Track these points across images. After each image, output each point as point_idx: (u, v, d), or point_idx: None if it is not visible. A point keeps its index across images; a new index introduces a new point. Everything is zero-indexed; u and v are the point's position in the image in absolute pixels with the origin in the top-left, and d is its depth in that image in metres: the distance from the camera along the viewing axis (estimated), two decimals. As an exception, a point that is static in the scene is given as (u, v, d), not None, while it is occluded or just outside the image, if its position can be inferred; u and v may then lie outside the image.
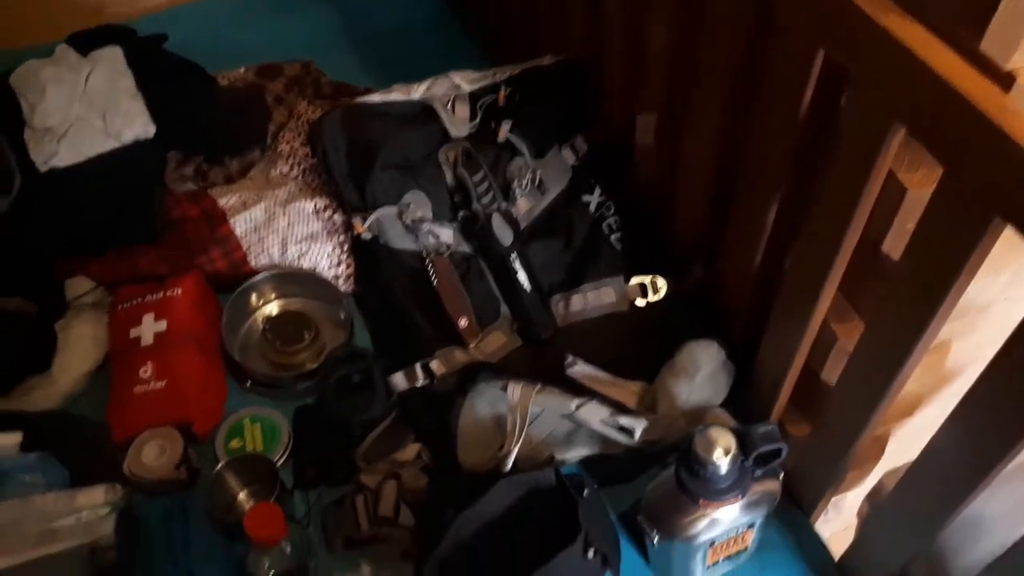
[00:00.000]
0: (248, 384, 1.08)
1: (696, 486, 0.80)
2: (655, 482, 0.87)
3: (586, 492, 0.85)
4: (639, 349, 1.03)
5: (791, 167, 0.81)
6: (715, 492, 0.80)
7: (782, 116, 0.77)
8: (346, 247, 1.16)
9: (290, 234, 1.15)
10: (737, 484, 0.80)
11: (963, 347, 0.86)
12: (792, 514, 0.96)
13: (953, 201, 0.61)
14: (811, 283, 0.79)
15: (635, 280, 1.09)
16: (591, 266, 1.11)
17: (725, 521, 0.83)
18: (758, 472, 0.81)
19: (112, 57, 1.21)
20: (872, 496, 0.93)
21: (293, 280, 1.15)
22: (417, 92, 1.21)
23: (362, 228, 1.14)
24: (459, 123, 1.20)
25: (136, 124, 1.18)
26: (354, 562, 0.91)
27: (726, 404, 0.98)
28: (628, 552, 0.93)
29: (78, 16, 1.32)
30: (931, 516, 0.75)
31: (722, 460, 0.77)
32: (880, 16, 0.61)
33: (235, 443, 1.00)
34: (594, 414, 0.96)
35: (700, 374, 0.96)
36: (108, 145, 1.16)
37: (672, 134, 1.01)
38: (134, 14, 1.49)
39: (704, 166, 0.97)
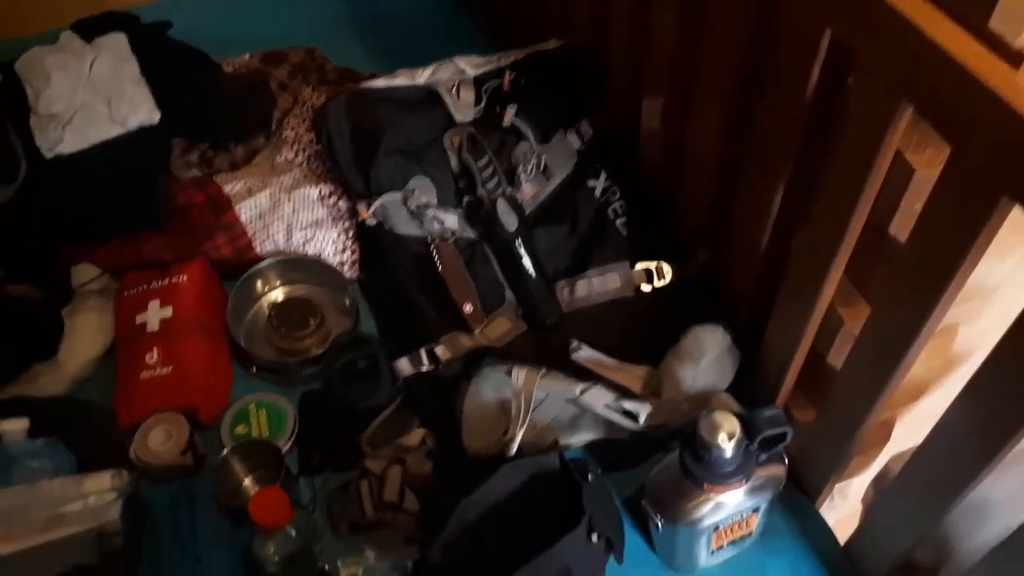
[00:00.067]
0: (254, 370, 1.08)
1: (700, 470, 0.79)
2: (659, 466, 0.87)
3: (590, 476, 0.85)
4: (644, 334, 1.03)
5: (798, 149, 0.80)
6: (719, 476, 0.79)
7: (789, 97, 0.76)
8: (351, 233, 1.16)
9: (295, 220, 1.15)
10: (741, 468, 0.80)
11: (970, 331, 0.86)
12: (797, 499, 0.96)
13: (961, 181, 0.60)
14: (817, 266, 0.79)
15: (640, 265, 1.09)
16: (596, 251, 1.11)
17: (729, 505, 0.83)
18: (763, 456, 0.81)
19: (116, 44, 1.21)
20: (878, 480, 0.92)
21: (298, 266, 1.15)
22: (422, 77, 1.20)
23: (367, 214, 1.13)
24: (464, 108, 1.19)
25: (141, 111, 1.18)
26: (359, 547, 0.91)
27: (731, 389, 0.97)
28: (632, 537, 0.93)
29: (82, 3, 1.31)
30: (937, 500, 0.74)
31: (726, 444, 0.77)
32: (887, -7, 0.60)
33: (241, 429, 1.00)
34: (599, 399, 0.96)
35: (705, 359, 0.96)
36: (113, 132, 1.16)
37: (678, 118, 1.00)
38: (138, 1, 1.49)
39: (710, 150, 0.96)
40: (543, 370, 0.98)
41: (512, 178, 1.16)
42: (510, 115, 1.19)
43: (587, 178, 1.17)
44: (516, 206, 1.13)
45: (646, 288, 1.08)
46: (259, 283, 1.15)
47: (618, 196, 1.15)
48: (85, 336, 1.07)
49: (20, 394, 1.01)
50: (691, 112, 0.97)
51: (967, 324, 0.85)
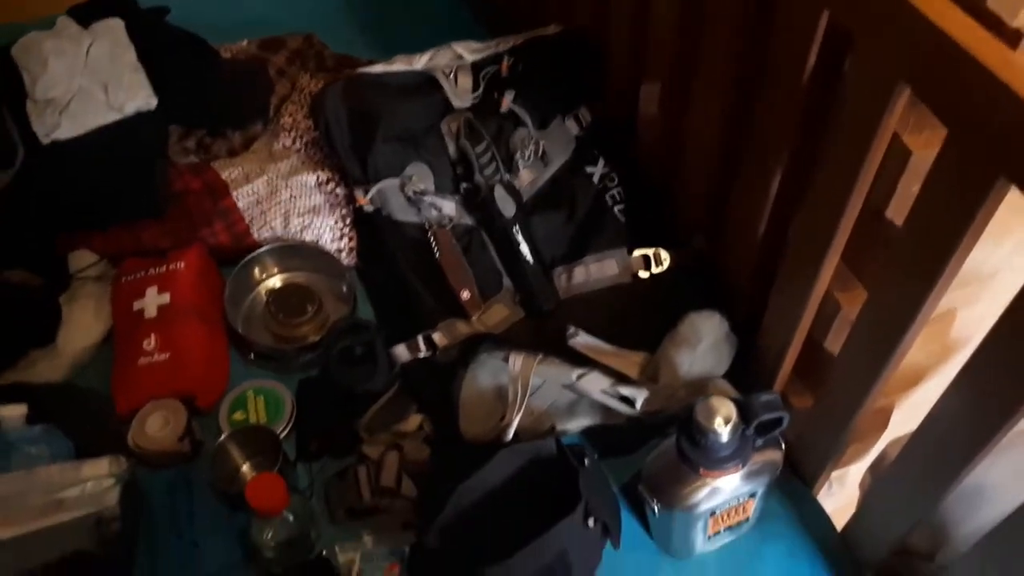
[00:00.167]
0: (251, 356, 1.08)
1: (697, 455, 0.79)
2: (656, 452, 0.87)
3: (587, 462, 0.85)
4: (642, 321, 1.03)
5: (795, 134, 0.80)
6: (716, 461, 0.79)
7: (786, 82, 0.76)
8: (348, 220, 1.16)
9: (293, 207, 1.14)
10: (738, 453, 0.80)
11: (968, 317, 0.85)
12: (794, 485, 0.96)
13: (958, 162, 0.60)
14: (814, 251, 0.79)
15: (638, 252, 1.09)
16: (594, 238, 1.11)
17: (726, 491, 0.83)
18: (759, 441, 0.81)
19: (114, 29, 1.21)
20: (875, 466, 0.92)
21: (296, 253, 1.15)
22: (419, 63, 1.20)
23: (364, 200, 1.13)
24: (462, 94, 1.19)
25: (138, 96, 1.17)
26: (356, 532, 0.91)
27: (728, 376, 0.97)
28: (629, 523, 0.93)
29: (78, -12, 1.31)
30: (933, 484, 0.74)
31: (722, 429, 0.77)
32: (884, -26, 0.59)
33: (238, 415, 1.00)
34: (595, 384, 0.96)
35: (702, 345, 0.96)
36: (110, 117, 1.16)
37: (676, 104, 1.00)
38: (136, -14, 1.48)
39: (708, 136, 0.96)
40: (540, 356, 0.98)
41: (510, 164, 1.16)
42: (508, 101, 1.18)
43: (585, 164, 1.16)
44: (514, 192, 1.13)
45: (643, 275, 1.08)
46: (257, 269, 1.15)
47: (616, 182, 1.14)
48: (83, 322, 1.07)
49: (18, 380, 1.01)
50: (690, 98, 0.97)
51: (965, 309, 0.84)
